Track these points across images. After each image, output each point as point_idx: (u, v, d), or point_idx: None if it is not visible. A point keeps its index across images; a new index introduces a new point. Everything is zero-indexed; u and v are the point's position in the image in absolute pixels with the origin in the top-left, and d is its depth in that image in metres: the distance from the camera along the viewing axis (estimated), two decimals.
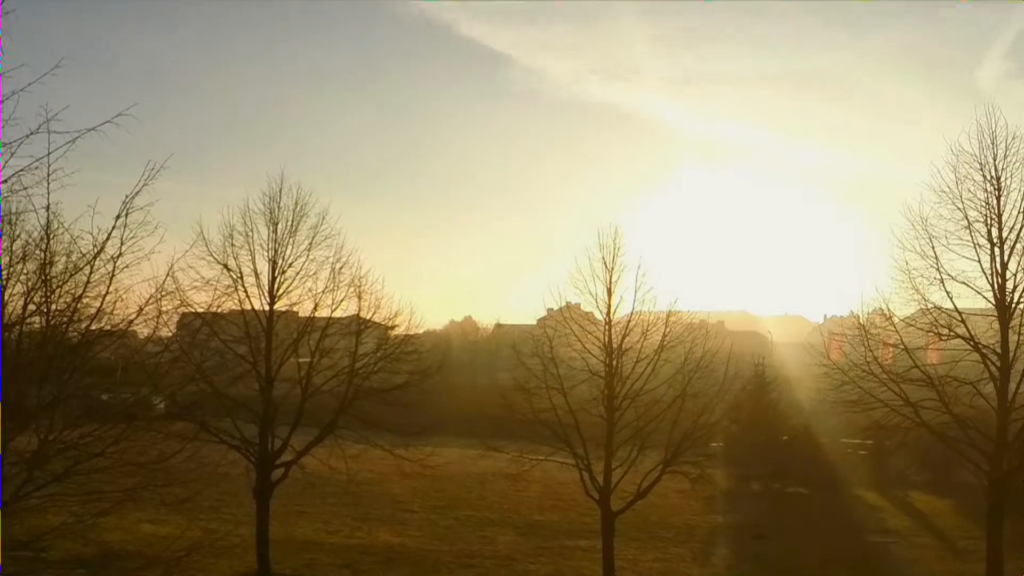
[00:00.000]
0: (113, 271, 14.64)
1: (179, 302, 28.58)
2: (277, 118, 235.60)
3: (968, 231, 29.71)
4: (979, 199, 29.59)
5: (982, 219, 29.55)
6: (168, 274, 16.79)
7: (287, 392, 34.86)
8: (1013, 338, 29.56)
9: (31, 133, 12.89)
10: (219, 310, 34.42)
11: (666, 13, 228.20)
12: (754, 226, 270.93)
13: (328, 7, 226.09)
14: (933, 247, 30.21)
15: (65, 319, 15.39)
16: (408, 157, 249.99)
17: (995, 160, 29.38)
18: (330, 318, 35.18)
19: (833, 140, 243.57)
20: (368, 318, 35.72)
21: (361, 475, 39.36)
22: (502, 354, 78.74)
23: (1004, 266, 29.37)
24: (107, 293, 14.93)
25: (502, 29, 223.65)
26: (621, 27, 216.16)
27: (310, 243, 34.18)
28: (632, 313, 32.78)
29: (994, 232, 29.39)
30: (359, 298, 34.97)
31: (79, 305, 15.20)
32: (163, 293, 16.14)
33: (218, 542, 29.97)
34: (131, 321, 15.89)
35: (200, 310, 33.27)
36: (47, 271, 16.24)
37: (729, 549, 39.81)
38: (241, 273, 33.66)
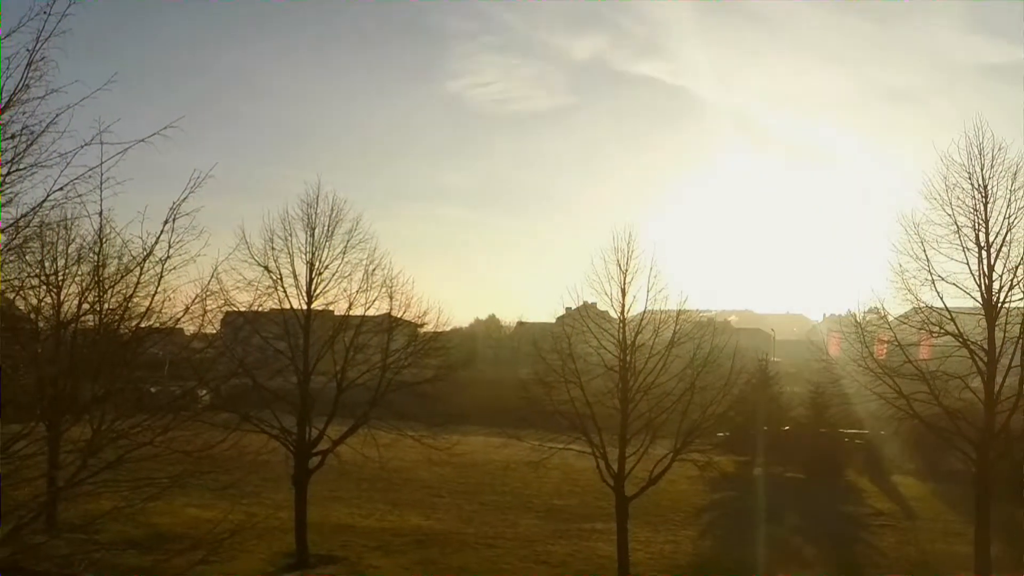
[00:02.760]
0: (161, 272, 14.57)
1: (223, 301, 28.36)
2: (315, 129, 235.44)
3: (957, 235, 29.83)
4: (967, 206, 29.70)
5: (970, 224, 29.66)
6: (213, 275, 16.70)
7: (323, 385, 35.00)
8: (999, 335, 29.59)
9: (85, 144, 12.82)
10: (260, 309, 34.58)
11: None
12: (758, 229, 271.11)
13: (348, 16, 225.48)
14: (925, 250, 30.36)
15: (117, 317, 15.33)
16: (439, 165, 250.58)
17: (982, 169, 29.48)
18: (363, 316, 35.28)
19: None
20: (399, 316, 35.80)
21: (392, 463, 39.23)
22: (524, 350, 78.79)
23: (991, 268, 29.46)
24: (156, 293, 14.86)
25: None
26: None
27: (345, 246, 34.43)
28: (645, 312, 32.76)
29: (981, 236, 29.47)
30: (391, 298, 35.13)
31: (130, 304, 15.15)
32: (208, 293, 16.04)
33: (259, 525, 29.92)
34: (178, 319, 15.78)
35: (242, 309, 33.47)
36: (100, 273, 16.22)
37: (735, 531, 39.60)
38: (281, 275, 33.88)
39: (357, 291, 34.75)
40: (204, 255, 15.33)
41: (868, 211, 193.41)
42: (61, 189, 12.92)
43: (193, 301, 15.83)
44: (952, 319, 30.17)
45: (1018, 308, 29.75)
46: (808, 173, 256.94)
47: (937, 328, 30.62)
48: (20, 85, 12.31)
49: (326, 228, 34.21)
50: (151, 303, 15.03)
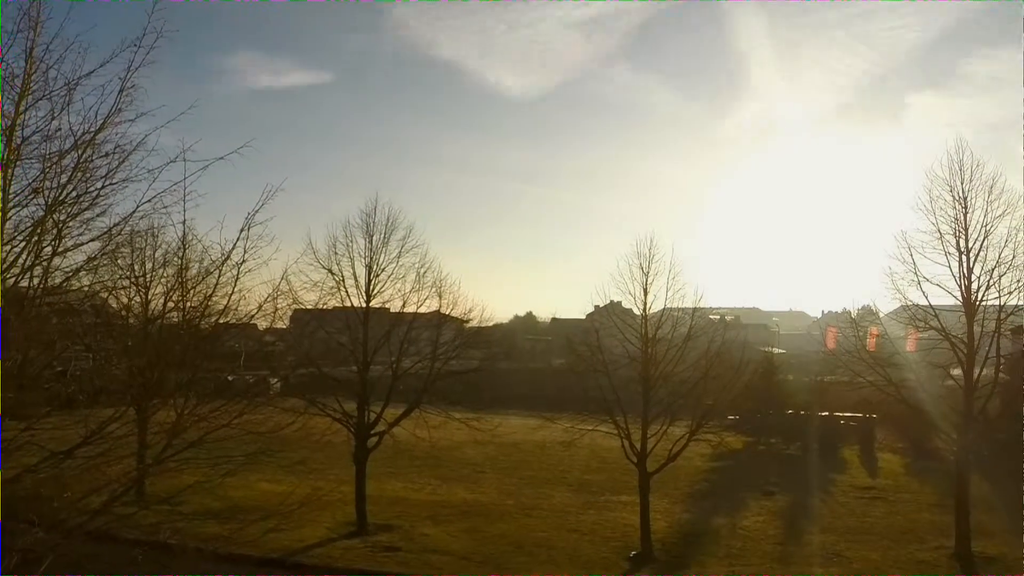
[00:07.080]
0: (237, 275, 14.48)
1: (292, 300, 28.61)
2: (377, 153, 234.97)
3: (940, 241, 30.32)
4: (949, 215, 30.15)
5: (952, 232, 30.11)
6: (283, 277, 16.55)
7: (380, 374, 35.18)
8: (977, 330, 30.11)
9: (170, 161, 12.77)
10: (324, 307, 34.68)
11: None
12: (763, 233, 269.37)
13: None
14: (911, 255, 30.69)
15: (198, 314, 15.28)
16: (482, 184, 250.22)
17: (962, 183, 29.98)
18: (416, 313, 35.43)
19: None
20: (447, 313, 35.85)
21: (441, 442, 39.33)
22: (557, 343, 78.62)
23: (970, 270, 29.96)
24: (232, 293, 14.77)
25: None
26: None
27: (399, 251, 34.59)
28: (664, 309, 32.58)
29: (961, 242, 29.93)
30: (440, 297, 35.23)
31: (209, 303, 15.08)
32: (278, 293, 15.92)
33: (324, 497, 30.06)
34: (252, 316, 15.74)
35: (309, 307, 33.71)
36: (183, 275, 16.18)
37: (744, 502, 39.24)
38: (342, 276, 34.04)
39: (410, 291, 34.91)
40: (275, 259, 15.24)
41: (864, 217, 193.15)
42: (149, 201, 12.86)
43: (265, 300, 15.76)
44: (936, 315, 30.59)
45: (994, 306, 30.09)
46: (809, 178, 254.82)
47: (922, 323, 31.17)
48: (113, 109, 12.23)
49: (383, 235, 34.37)
50: (228, 302, 14.97)
